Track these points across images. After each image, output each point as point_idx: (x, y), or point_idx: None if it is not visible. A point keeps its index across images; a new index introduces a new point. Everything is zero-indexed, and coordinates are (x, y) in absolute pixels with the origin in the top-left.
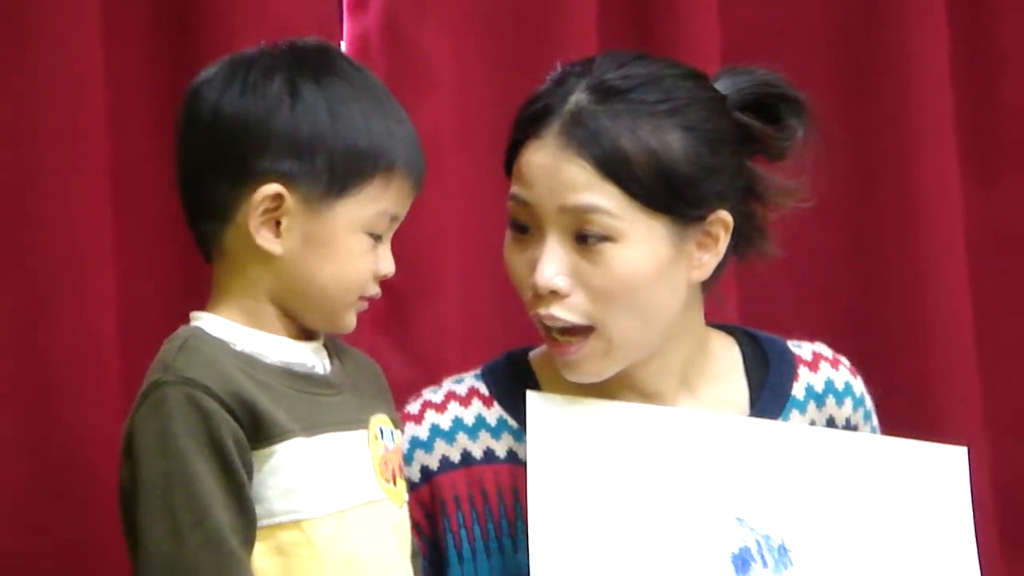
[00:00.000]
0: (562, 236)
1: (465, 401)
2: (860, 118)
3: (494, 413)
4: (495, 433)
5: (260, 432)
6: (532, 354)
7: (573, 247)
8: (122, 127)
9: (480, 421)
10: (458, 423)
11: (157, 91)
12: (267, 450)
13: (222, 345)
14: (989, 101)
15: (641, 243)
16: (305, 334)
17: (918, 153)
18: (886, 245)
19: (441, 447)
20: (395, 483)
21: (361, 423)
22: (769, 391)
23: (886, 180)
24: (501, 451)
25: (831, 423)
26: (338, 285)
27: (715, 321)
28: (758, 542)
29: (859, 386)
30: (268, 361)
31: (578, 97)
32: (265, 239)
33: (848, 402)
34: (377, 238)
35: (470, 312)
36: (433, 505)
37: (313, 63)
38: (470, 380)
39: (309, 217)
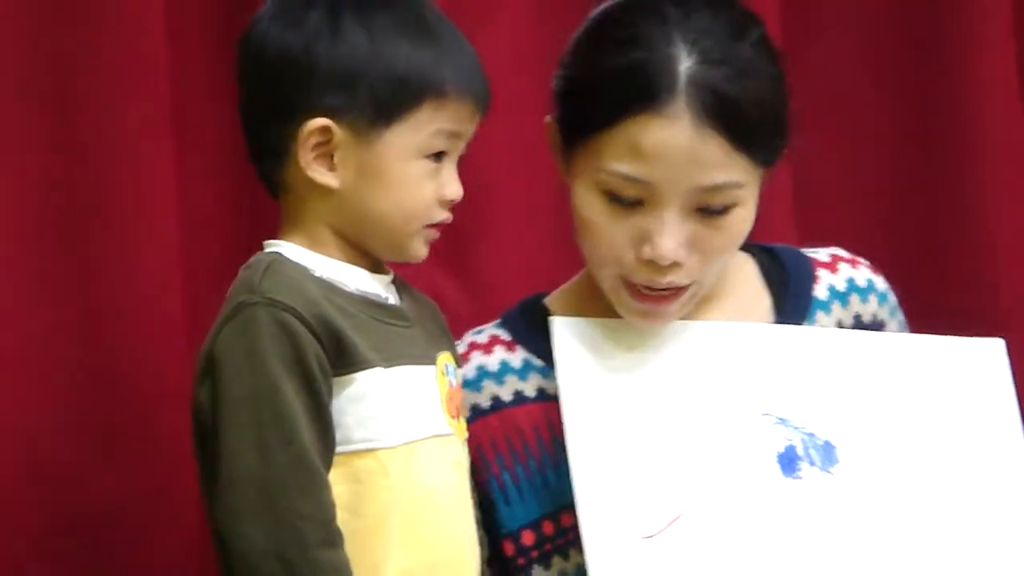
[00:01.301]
0: (684, 208)
1: (487, 348)
2: (916, 53)
3: (518, 355)
4: (522, 375)
5: (342, 359)
6: (548, 298)
7: (692, 216)
8: (184, 66)
9: (505, 366)
10: (483, 371)
11: (219, 29)
12: (348, 377)
13: (304, 271)
14: None
15: (751, 200)
16: (376, 267)
17: (974, 88)
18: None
19: (470, 396)
20: (459, 419)
21: (430, 358)
22: (792, 296)
23: (940, 110)
24: (530, 391)
25: (858, 320)
26: (399, 213)
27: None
28: (803, 440)
29: (881, 283)
30: (347, 289)
31: (688, 64)
32: (319, 173)
33: (873, 298)
34: (438, 158)
35: (529, 249)
36: (474, 454)
37: None
38: (490, 329)
39: (361, 148)
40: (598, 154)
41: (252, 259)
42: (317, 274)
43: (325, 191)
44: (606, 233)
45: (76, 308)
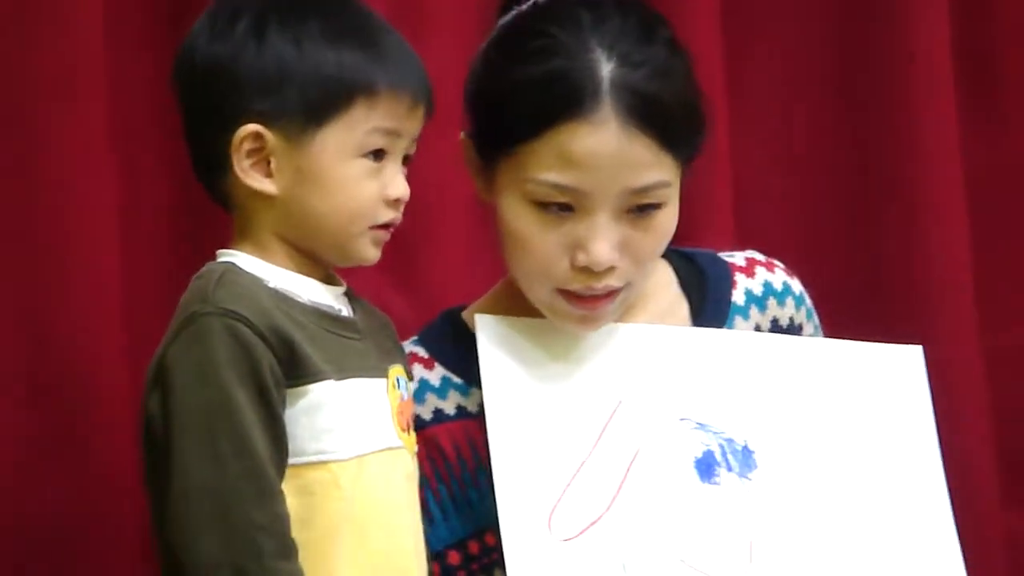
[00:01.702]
0: (615, 211)
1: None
2: (857, 68)
3: (436, 373)
4: (441, 393)
5: (296, 370)
6: (467, 312)
7: (623, 219)
8: (121, 84)
9: (424, 384)
10: None
11: (156, 45)
12: (301, 388)
13: (257, 281)
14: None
15: (676, 197)
16: (329, 279)
17: (919, 100)
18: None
19: None
20: (409, 432)
21: (382, 371)
22: (710, 302)
23: (885, 129)
24: (450, 408)
25: (775, 324)
26: (340, 215)
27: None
28: (721, 445)
29: (797, 286)
30: (300, 300)
31: (609, 68)
32: (256, 180)
33: (790, 301)
34: (378, 156)
35: (475, 259)
36: None
37: (280, 3)
38: (408, 346)
39: (295, 152)
40: (524, 165)
41: (204, 268)
42: (270, 285)
43: (267, 199)
44: (538, 243)
45: (15, 312)
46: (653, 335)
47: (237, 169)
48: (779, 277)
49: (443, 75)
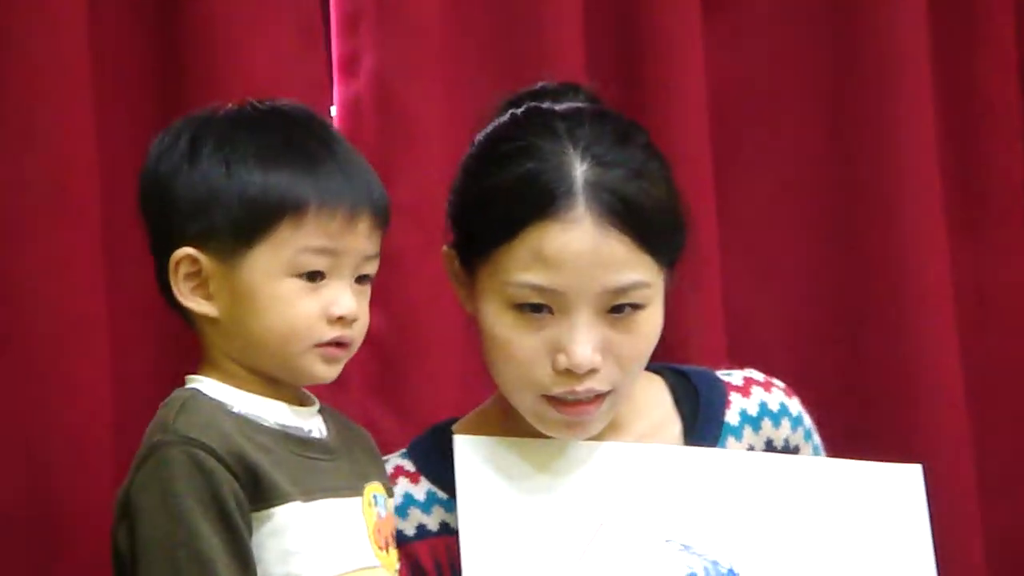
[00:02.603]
0: (594, 312)
1: (391, 480)
2: (846, 166)
3: (422, 488)
4: (425, 507)
5: (259, 494)
6: (456, 425)
7: (603, 320)
8: (112, 193)
9: (408, 498)
10: None
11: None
12: (265, 512)
13: (220, 406)
14: (972, 155)
15: (659, 300)
16: (303, 400)
17: (905, 204)
18: (871, 294)
19: None
20: (388, 551)
21: (356, 490)
22: (702, 421)
23: (873, 229)
24: (433, 524)
25: (770, 445)
26: (275, 335)
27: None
28: (706, 568)
29: (795, 405)
30: (266, 424)
31: (583, 168)
32: (196, 303)
33: (785, 422)
34: (313, 277)
35: (464, 373)
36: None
37: (222, 119)
38: (395, 459)
39: (229, 273)
40: (502, 268)
41: (170, 396)
42: (235, 410)
43: (213, 321)
44: (518, 348)
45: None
46: (639, 453)
47: (175, 292)
48: (776, 397)
49: (424, 192)
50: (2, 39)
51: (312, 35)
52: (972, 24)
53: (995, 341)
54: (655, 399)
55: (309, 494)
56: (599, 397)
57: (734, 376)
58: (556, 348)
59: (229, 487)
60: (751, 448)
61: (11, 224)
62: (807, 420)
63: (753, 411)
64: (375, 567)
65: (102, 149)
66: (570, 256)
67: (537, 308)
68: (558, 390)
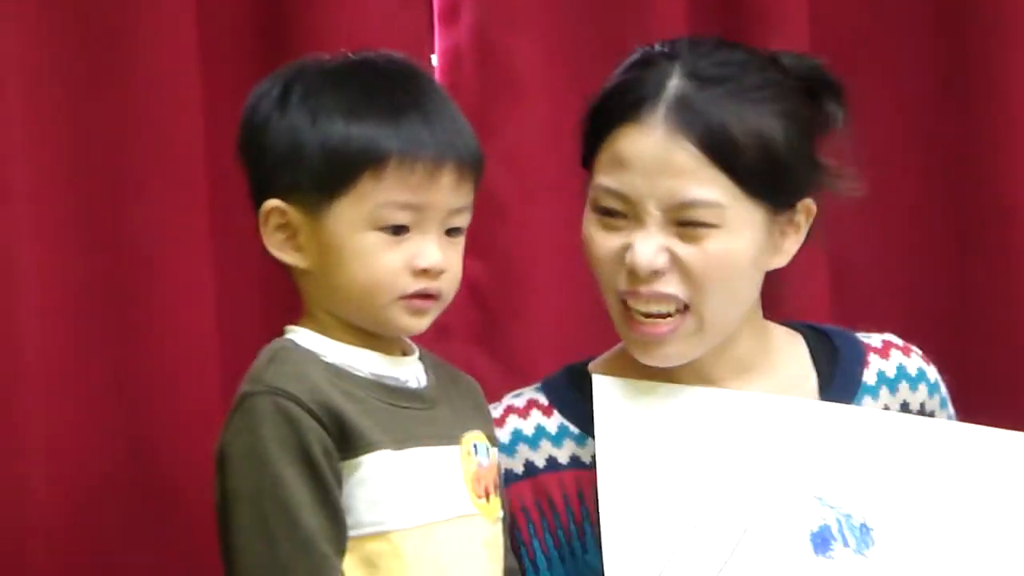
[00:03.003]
0: (662, 220)
1: (524, 413)
2: (948, 117)
3: (554, 421)
4: (556, 441)
5: (347, 443)
6: (591, 365)
7: (673, 230)
8: (219, 140)
9: (540, 430)
10: (518, 434)
11: None
12: (354, 461)
13: (312, 357)
14: None
15: (742, 229)
16: (401, 349)
17: (1007, 155)
18: (974, 248)
19: (504, 461)
20: (488, 499)
21: (453, 439)
22: (840, 377)
23: (973, 179)
24: (563, 458)
25: (905, 407)
26: (359, 286)
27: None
28: (839, 520)
29: (933, 373)
30: (359, 374)
31: (677, 83)
32: (287, 254)
33: (923, 387)
34: (396, 231)
35: (563, 326)
36: (508, 518)
37: (316, 69)
38: (529, 393)
39: (315, 225)
40: (594, 173)
41: (267, 346)
42: (328, 359)
43: (307, 273)
44: (601, 249)
45: (116, 375)
46: (773, 405)
47: (267, 243)
48: (914, 362)
49: (525, 144)
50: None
51: None
52: None
53: None
54: (793, 353)
55: (400, 443)
56: (674, 317)
57: (873, 339)
58: (626, 249)
59: (316, 436)
60: (886, 408)
61: (119, 175)
62: (943, 388)
63: (891, 373)
64: (473, 515)
65: (208, 98)
66: (638, 158)
67: (613, 214)
68: (623, 287)
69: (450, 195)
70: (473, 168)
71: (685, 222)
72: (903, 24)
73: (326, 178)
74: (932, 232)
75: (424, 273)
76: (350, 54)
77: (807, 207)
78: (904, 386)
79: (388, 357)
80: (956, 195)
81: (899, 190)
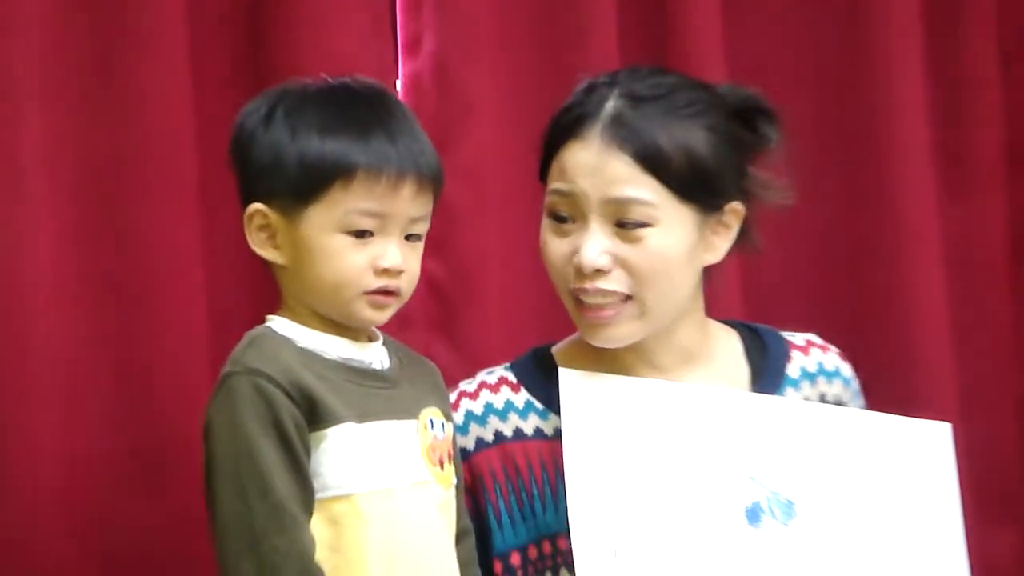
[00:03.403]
0: (603, 223)
1: (495, 388)
2: (844, 140)
3: (521, 397)
4: (523, 414)
5: (315, 417)
6: (554, 348)
7: (613, 232)
8: (208, 150)
9: (509, 405)
10: (489, 407)
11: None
12: (321, 433)
13: (286, 342)
14: (961, 128)
15: (674, 228)
16: (368, 336)
17: (898, 170)
18: (870, 254)
19: (476, 430)
20: (443, 468)
21: (412, 414)
22: (768, 371)
23: (870, 195)
24: (529, 429)
25: (822, 399)
26: (328, 282)
27: (721, 317)
28: (768, 498)
29: (847, 369)
30: (328, 357)
31: (614, 103)
32: (267, 252)
33: (838, 382)
34: (363, 235)
35: (509, 316)
36: (473, 482)
37: (298, 92)
38: (500, 371)
39: (291, 227)
40: (548, 183)
41: (247, 333)
42: (300, 344)
43: (283, 268)
44: (554, 253)
45: (120, 360)
46: (717, 397)
47: (250, 241)
48: (831, 359)
49: (478, 159)
50: (117, 26)
51: (381, 20)
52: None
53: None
54: (729, 347)
55: (362, 417)
56: (615, 306)
57: (797, 337)
58: (575, 250)
59: (287, 411)
60: (807, 398)
61: (121, 179)
62: (855, 384)
63: (811, 368)
64: (427, 481)
65: (198, 112)
66: (579, 167)
67: (563, 219)
68: (575, 284)
69: (410, 205)
70: (432, 181)
71: (623, 223)
72: (806, 62)
73: (301, 186)
74: (832, 243)
75: (385, 272)
76: (328, 78)
77: (735, 210)
78: (822, 380)
79: (354, 343)
80: (854, 210)
81: (806, 206)
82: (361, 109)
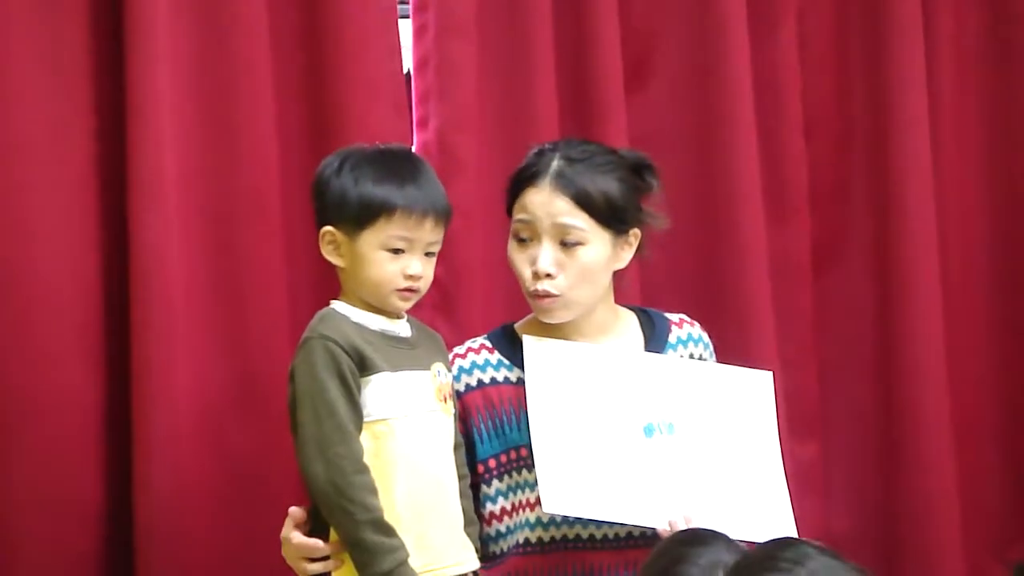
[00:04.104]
0: (551, 242)
1: (477, 352)
2: (702, 181)
3: (495, 356)
4: (496, 368)
5: (364, 367)
6: (517, 324)
7: (558, 249)
8: (293, 193)
9: (487, 361)
10: (473, 364)
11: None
12: (367, 378)
13: (344, 318)
14: (785, 158)
15: (597, 246)
16: (396, 315)
17: (736, 205)
18: (719, 262)
19: (465, 379)
20: (446, 403)
21: (426, 366)
22: (655, 339)
23: (720, 225)
24: (500, 377)
25: (691, 357)
26: (372, 281)
27: (625, 303)
28: (659, 419)
29: (706, 337)
30: (372, 328)
31: (557, 163)
32: (333, 259)
33: (700, 346)
34: (398, 252)
35: (487, 302)
36: (464, 413)
37: (360, 153)
38: (480, 340)
39: (351, 243)
40: (512, 216)
41: (318, 312)
42: (354, 320)
43: (343, 271)
44: (517, 260)
45: (227, 322)
46: (626, 356)
47: (323, 251)
48: (696, 331)
49: (465, 201)
50: (215, 90)
51: (401, 106)
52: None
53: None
54: (630, 323)
55: (395, 368)
56: (556, 298)
57: (674, 316)
58: (532, 262)
59: (346, 363)
60: (681, 357)
61: (233, 213)
62: (711, 346)
63: (684, 337)
64: (437, 411)
65: (283, 164)
66: (534, 204)
67: (523, 240)
68: (531, 287)
69: (430, 233)
70: (445, 217)
71: (565, 242)
72: (676, 131)
73: (359, 217)
74: (696, 254)
75: (410, 278)
76: (379, 144)
77: (635, 233)
78: (691, 344)
79: (388, 319)
80: (707, 234)
81: (679, 230)
82: (399, 166)
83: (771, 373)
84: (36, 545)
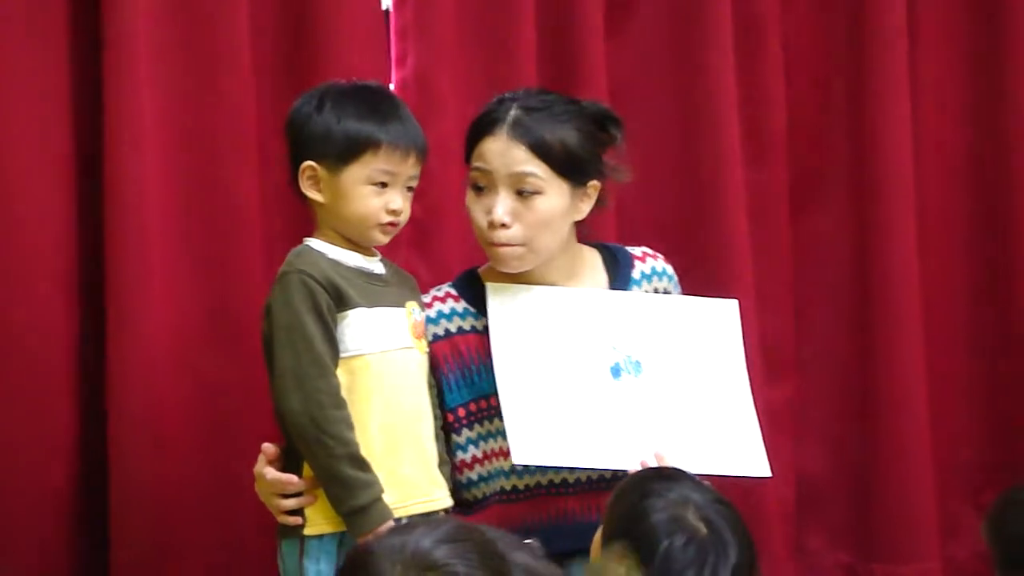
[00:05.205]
0: (507, 192)
1: (443, 300)
2: (681, 121)
3: (461, 305)
4: (462, 316)
5: (340, 303)
6: (480, 269)
7: (514, 198)
8: (267, 131)
9: (453, 311)
10: (440, 313)
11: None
12: (343, 314)
13: (320, 254)
14: (765, 99)
15: (555, 197)
16: (369, 252)
17: (715, 144)
18: (697, 204)
19: (432, 328)
20: (420, 340)
21: (401, 304)
22: (619, 276)
23: (698, 162)
24: (467, 326)
25: (656, 291)
26: (356, 216)
27: (602, 240)
28: (624, 359)
29: (671, 269)
30: (348, 264)
31: (515, 112)
32: (312, 192)
33: (665, 279)
34: (382, 186)
35: (462, 241)
36: (433, 363)
37: (338, 89)
38: (446, 287)
39: (332, 178)
40: (470, 164)
41: (294, 248)
42: (329, 256)
43: (321, 205)
44: (475, 213)
45: (202, 253)
46: (589, 295)
47: (301, 186)
48: (660, 264)
49: (444, 140)
50: (194, 45)
51: (381, 44)
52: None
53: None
54: (593, 262)
55: (371, 304)
56: (514, 245)
57: (636, 250)
58: (489, 211)
59: (323, 297)
60: (646, 292)
61: (215, 156)
62: (675, 277)
63: (648, 271)
64: (411, 347)
65: (260, 105)
66: (491, 153)
67: (480, 189)
68: (488, 236)
69: (411, 169)
70: (423, 154)
71: (521, 191)
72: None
73: (343, 153)
74: (669, 187)
75: (393, 212)
76: (356, 80)
77: (595, 185)
78: (656, 279)
79: (364, 256)
80: (680, 166)
81: (657, 173)
82: (380, 102)
83: (736, 301)
84: (7, 476)
